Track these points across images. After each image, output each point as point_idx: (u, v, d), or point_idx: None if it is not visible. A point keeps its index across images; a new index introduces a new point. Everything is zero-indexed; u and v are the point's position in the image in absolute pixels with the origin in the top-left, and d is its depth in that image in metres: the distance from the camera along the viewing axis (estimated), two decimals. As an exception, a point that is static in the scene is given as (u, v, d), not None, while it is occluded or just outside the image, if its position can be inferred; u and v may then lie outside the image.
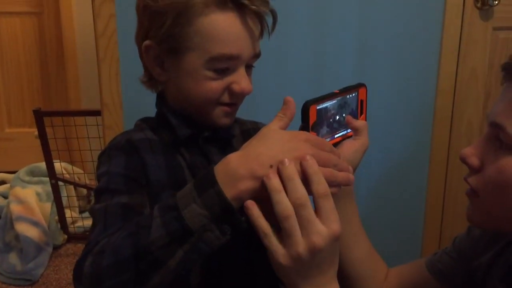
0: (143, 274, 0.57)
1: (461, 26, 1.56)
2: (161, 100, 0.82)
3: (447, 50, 1.57)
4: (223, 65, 0.73)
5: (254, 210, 0.55)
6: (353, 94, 0.71)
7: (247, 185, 0.55)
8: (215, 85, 0.74)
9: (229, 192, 0.55)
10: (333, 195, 0.67)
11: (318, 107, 0.63)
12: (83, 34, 2.77)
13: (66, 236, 2.22)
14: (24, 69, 2.87)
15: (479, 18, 1.56)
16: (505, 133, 0.54)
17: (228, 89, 0.75)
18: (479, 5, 1.53)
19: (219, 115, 0.77)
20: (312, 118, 0.63)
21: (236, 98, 0.76)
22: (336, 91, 0.68)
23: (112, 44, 1.43)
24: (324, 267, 0.55)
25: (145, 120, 0.85)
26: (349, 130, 0.72)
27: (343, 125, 0.70)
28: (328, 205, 0.54)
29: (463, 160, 0.60)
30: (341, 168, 0.59)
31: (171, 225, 0.56)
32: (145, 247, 0.56)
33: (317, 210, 0.54)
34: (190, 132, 0.78)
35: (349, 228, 0.77)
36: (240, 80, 0.74)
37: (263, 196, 0.55)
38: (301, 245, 0.53)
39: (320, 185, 0.54)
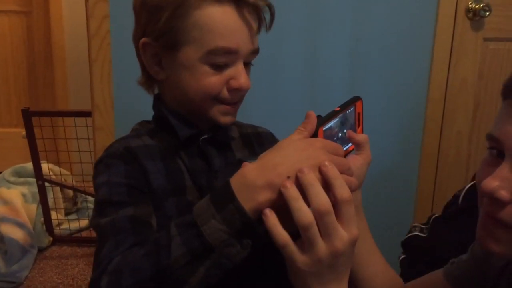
0: None
1: (453, 36, 1.57)
2: (159, 101, 0.81)
3: (438, 59, 1.59)
4: (221, 59, 0.71)
5: (272, 218, 0.54)
6: (352, 109, 0.71)
7: (266, 196, 0.54)
8: (214, 80, 0.72)
9: (248, 204, 0.54)
10: None
11: (324, 129, 0.64)
12: (72, 34, 2.74)
13: (51, 238, 2.19)
14: (12, 68, 2.83)
15: (470, 29, 1.58)
16: None
17: (226, 85, 0.74)
18: (470, 15, 1.55)
19: (219, 113, 0.76)
20: None
21: (235, 95, 0.75)
22: (337, 108, 0.68)
23: (105, 45, 1.42)
24: (341, 272, 0.55)
25: (142, 125, 0.83)
26: (350, 145, 0.72)
27: (345, 141, 0.70)
28: (351, 210, 0.54)
29: (491, 194, 0.53)
30: (351, 173, 0.60)
31: (191, 242, 0.55)
32: (166, 266, 0.55)
33: (339, 215, 0.53)
34: (191, 132, 0.77)
35: (363, 245, 0.75)
36: (238, 75, 0.73)
37: (281, 206, 0.54)
38: (323, 251, 0.52)
39: (344, 189, 0.53)
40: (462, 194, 1.26)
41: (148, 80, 0.81)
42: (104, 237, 0.65)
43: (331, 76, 1.56)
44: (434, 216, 1.28)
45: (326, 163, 0.55)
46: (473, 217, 1.09)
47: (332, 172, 0.54)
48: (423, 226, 1.29)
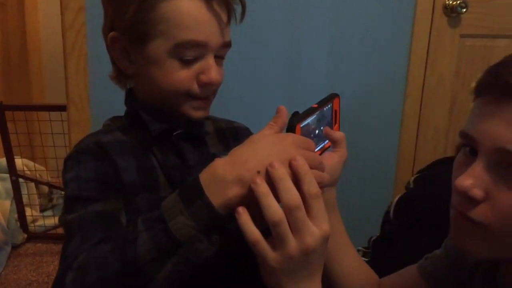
0: None
1: (430, 32, 1.59)
2: (131, 96, 0.79)
3: (416, 56, 1.60)
4: (190, 53, 0.70)
5: (244, 216, 0.53)
6: (329, 106, 0.71)
7: (236, 191, 0.53)
8: (183, 75, 0.71)
9: (217, 200, 0.53)
10: None
11: (301, 125, 0.63)
12: (48, 26, 2.69)
13: (25, 235, 2.15)
14: (-15, 61, 2.77)
15: (447, 25, 1.59)
16: None
17: (197, 79, 0.72)
18: (447, 12, 1.56)
19: (191, 108, 0.74)
20: None
21: (206, 90, 0.73)
22: (315, 105, 0.68)
23: (81, 38, 1.39)
24: (314, 269, 0.54)
25: (114, 120, 0.82)
26: (326, 142, 0.72)
27: (321, 138, 0.70)
28: (319, 205, 0.53)
29: (464, 193, 0.53)
30: (323, 169, 0.59)
31: (158, 238, 0.54)
32: (133, 262, 0.54)
33: (308, 211, 0.53)
34: (163, 127, 0.75)
35: (337, 241, 0.75)
36: (208, 70, 0.71)
37: (251, 202, 0.53)
38: (294, 247, 0.52)
39: (312, 185, 0.53)
40: (392, 209, 1.27)
41: (119, 75, 0.79)
42: (71, 233, 0.64)
43: (310, 72, 1.57)
44: (372, 239, 1.26)
45: (297, 157, 0.54)
46: (412, 239, 1.11)
47: (302, 167, 0.54)
48: (366, 250, 1.27)
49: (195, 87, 0.72)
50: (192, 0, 0.69)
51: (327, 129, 0.70)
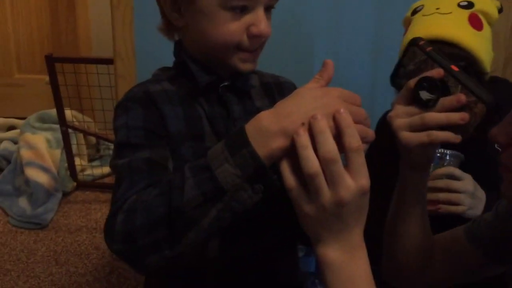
0: (176, 233, 0.58)
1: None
2: (180, 48, 0.80)
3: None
4: (240, 2, 0.69)
5: (285, 162, 0.55)
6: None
7: (279, 143, 0.55)
8: (233, 27, 0.71)
9: (261, 150, 0.55)
10: None
11: None
12: (94, -21, 2.71)
13: (75, 184, 2.25)
14: (34, 14, 2.82)
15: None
16: None
17: (247, 31, 0.72)
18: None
19: (239, 60, 0.75)
20: None
21: (255, 42, 0.73)
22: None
23: (127, -9, 1.40)
24: (350, 222, 0.54)
25: (163, 70, 0.83)
26: None
27: None
28: (359, 159, 0.53)
29: (493, 140, 0.58)
30: (368, 124, 0.58)
31: (204, 185, 0.56)
32: (179, 207, 0.57)
33: (348, 164, 0.53)
34: (210, 79, 0.76)
35: (410, 199, 0.76)
36: (259, 21, 0.71)
37: (295, 153, 0.54)
38: (327, 198, 0.52)
39: (354, 138, 0.53)
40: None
41: (168, 26, 0.80)
42: (120, 178, 0.67)
43: (355, 33, 1.52)
44: None
45: (341, 110, 0.54)
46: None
47: (345, 120, 0.54)
48: None
49: (245, 39, 0.72)
50: None
51: None
